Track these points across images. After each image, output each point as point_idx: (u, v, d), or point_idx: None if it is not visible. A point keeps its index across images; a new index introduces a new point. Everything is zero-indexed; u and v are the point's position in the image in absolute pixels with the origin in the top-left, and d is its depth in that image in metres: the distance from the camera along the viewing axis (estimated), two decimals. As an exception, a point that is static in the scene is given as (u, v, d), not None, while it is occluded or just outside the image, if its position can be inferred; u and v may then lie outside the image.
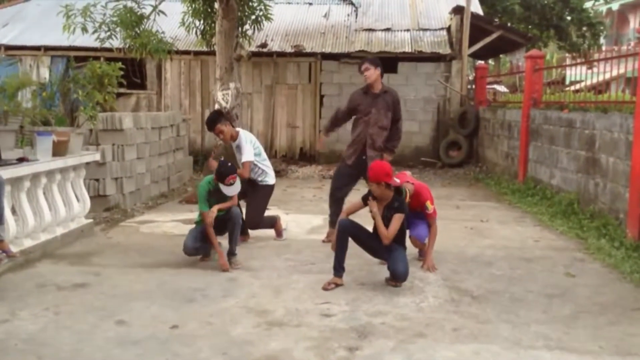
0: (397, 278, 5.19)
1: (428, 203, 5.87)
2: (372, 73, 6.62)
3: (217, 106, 10.49)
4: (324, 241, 6.83)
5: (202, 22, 11.49)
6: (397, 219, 5.16)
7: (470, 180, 12.31)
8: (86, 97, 7.11)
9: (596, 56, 9.41)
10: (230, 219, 5.89)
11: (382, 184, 5.15)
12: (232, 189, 5.84)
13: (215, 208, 5.84)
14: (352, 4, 16.32)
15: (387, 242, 5.17)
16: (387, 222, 5.24)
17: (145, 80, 14.65)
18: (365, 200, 5.35)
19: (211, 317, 4.52)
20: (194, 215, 6.24)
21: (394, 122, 6.85)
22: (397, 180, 5.37)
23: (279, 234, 7.05)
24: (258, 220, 6.76)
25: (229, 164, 5.86)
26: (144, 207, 8.99)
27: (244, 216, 6.51)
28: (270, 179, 6.91)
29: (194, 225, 6.17)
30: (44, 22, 15.05)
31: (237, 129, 6.88)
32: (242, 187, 6.10)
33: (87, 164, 7.29)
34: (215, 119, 6.74)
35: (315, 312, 4.62)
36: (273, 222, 7.00)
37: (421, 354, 3.92)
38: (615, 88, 8.71)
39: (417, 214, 5.98)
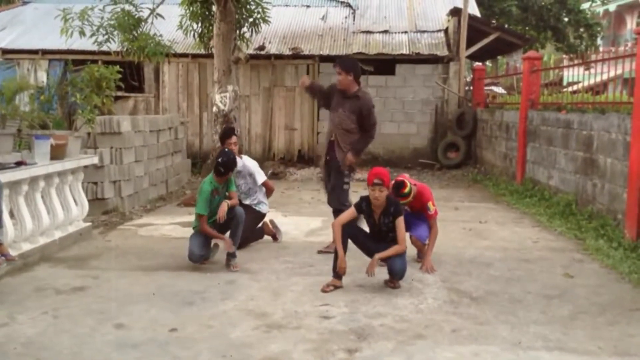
0: (394, 275, 5.20)
1: (430, 204, 5.90)
2: (343, 79, 6.22)
3: (215, 109, 10.51)
4: (320, 252, 6.50)
5: (200, 25, 11.50)
6: (401, 222, 5.20)
7: (469, 181, 12.33)
8: (84, 101, 7.11)
9: (593, 57, 9.42)
10: (233, 218, 5.88)
11: (387, 188, 5.17)
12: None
13: (224, 205, 5.80)
14: (350, 6, 16.34)
15: (405, 247, 5.22)
16: (385, 228, 5.26)
17: (143, 84, 14.64)
18: (358, 209, 5.34)
19: (210, 320, 4.52)
20: (193, 218, 6.23)
21: (365, 130, 6.34)
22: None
23: (274, 237, 7.05)
24: (245, 235, 6.49)
25: (226, 149, 6.03)
26: (142, 210, 8.98)
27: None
28: (264, 208, 6.97)
29: (191, 230, 6.15)
30: (42, 26, 15.05)
31: (240, 155, 6.92)
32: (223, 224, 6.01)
33: (85, 167, 7.29)
34: (234, 131, 7.12)
35: (314, 314, 4.62)
36: (260, 234, 6.97)
37: (420, 355, 3.92)
38: (613, 89, 8.72)
39: (418, 214, 6.00)
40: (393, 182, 5.62)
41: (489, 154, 12.82)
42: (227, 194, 5.97)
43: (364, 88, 14.31)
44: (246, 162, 6.84)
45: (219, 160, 5.87)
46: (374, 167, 5.35)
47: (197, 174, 12.25)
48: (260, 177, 6.88)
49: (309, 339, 4.15)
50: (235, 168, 6.01)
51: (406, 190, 5.59)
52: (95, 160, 7.49)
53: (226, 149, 6.06)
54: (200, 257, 5.86)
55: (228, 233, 6.00)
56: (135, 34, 10.21)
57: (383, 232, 5.29)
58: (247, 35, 11.87)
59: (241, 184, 6.76)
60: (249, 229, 6.58)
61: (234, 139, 6.75)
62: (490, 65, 20.98)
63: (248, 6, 11.44)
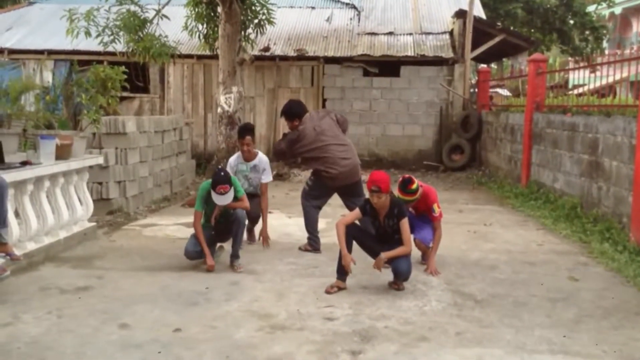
0: (399, 276, 5.19)
1: (435, 206, 5.89)
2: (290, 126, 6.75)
3: (219, 110, 10.53)
4: (300, 249, 6.72)
5: (205, 26, 11.53)
6: (405, 224, 5.19)
7: (473, 184, 12.30)
8: (89, 101, 7.12)
9: (599, 60, 9.39)
10: (234, 221, 5.88)
11: (386, 193, 5.15)
12: (222, 199, 5.70)
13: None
14: (355, 8, 16.34)
15: (410, 248, 5.21)
16: (389, 230, 5.26)
17: (148, 84, 14.67)
18: (363, 210, 5.33)
19: (214, 320, 4.52)
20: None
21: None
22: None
23: (250, 238, 7.05)
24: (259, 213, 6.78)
25: (222, 173, 5.78)
26: (146, 210, 8.99)
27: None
28: None
29: (196, 229, 6.18)
30: (48, 26, 15.10)
31: (256, 150, 6.95)
32: (226, 225, 5.98)
33: (90, 167, 7.30)
34: (252, 129, 6.96)
35: (318, 316, 4.62)
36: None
37: (424, 358, 3.91)
38: (621, 91, 8.70)
39: (422, 217, 6.00)
40: (400, 178, 5.65)
41: (493, 156, 12.80)
42: (237, 196, 5.97)
43: (369, 90, 14.35)
44: (262, 158, 6.93)
45: (213, 174, 5.82)
46: (374, 172, 5.32)
47: (202, 175, 12.26)
48: (267, 177, 6.89)
49: (313, 341, 4.15)
50: (222, 183, 5.73)
51: (413, 186, 5.59)
52: (100, 160, 7.51)
53: (223, 172, 5.81)
54: (193, 252, 5.86)
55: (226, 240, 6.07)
56: (141, 35, 10.23)
57: (388, 233, 5.28)
58: (252, 36, 11.89)
59: (253, 177, 6.83)
60: (256, 214, 6.73)
61: (247, 139, 6.74)
62: (496, 67, 20.96)
63: (253, 7, 11.46)
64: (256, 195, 6.78)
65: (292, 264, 6.12)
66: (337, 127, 6.71)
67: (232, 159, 6.95)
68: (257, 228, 6.98)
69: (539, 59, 10.62)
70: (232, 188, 5.75)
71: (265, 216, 6.81)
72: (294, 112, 6.70)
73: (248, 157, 6.81)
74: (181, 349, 4.00)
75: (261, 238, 6.76)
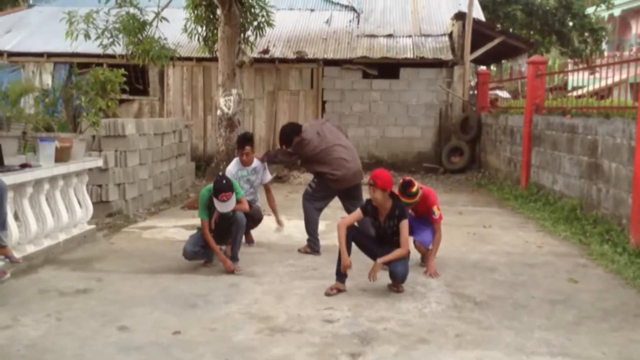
0: (395, 278, 5.19)
1: (435, 208, 5.90)
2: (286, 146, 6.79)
3: (219, 112, 10.54)
4: (299, 250, 6.70)
5: (204, 28, 11.54)
6: (405, 225, 5.20)
7: (473, 186, 12.30)
8: (89, 104, 7.13)
9: (598, 62, 9.41)
10: (234, 223, 5.88)
11: (387, 191, 5.16)
12: (225, 206, 5.71)
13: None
14: (354, 10, 16.35)
15: (407, 250, 5.21)
16: (390, 231, 5.26)
17: (147, 87, 14.67)
18: (364, 211, 5.33)
19: (213, 323, 4.51)
20: (196, 221, 6.25)
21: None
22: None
23: (249, 240, 7.06)
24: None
25: (224, 180, 5.77)
26: (146, 213, 8.99)
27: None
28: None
29: (195, 231, 6.18)
30: (47, 29, 15.09)
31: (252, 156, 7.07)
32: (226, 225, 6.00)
33: (90, 170, 7.29)
34: (251, 138, 7.07)
35: (317, 318, 4.62)
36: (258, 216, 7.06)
37: (424, 360, 3.91)
38: (620, 93, 8.69)
39: (422, 219, 6.00)
40: (400, 180, 5.68)
41: (493, 158, 12.80)
42: (237, 198, 5.96)
43: (368, 92, 14.32)
44: (259, 162, 7.05)
45: (214, 182, 5.78)
46: (377, 169, 5.37)
47: (201, 177, 12.26)
48: (267, 177, 7.07)
49: (312, 343, 4.15)
50: (225, 191, 5.72)
51: (414, 189, 5.61)
52: (99, 163, 7.51)
53: (224, 180, 5.78)
54: (191, 253, 5.86)
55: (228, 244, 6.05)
56: (140, 37, 10.24)
57: (388, 235, 5.28)
58: (252, 39, 11.90)
59: (255, 179, 6.94)
60: (259, 216, 6.90)
61: (246, 149, 6.85)
62: (495, 69, 20.97)
63: (252, 10, 11.47)
64: (255, 202, 6.86)
65: (292, 266, 6.11)
66: (338, 131, 6.78)
67: (232, 167, 6.99)
68: (254, 231, 7.02)
69: (538, 61, 10.63)
70: (234, 194, 5.76)
71: (276, 209, 7.19)
72: (290, 132, 6.68)
73: (247, 162, 6.94)
74: (180, 351, 4.00)
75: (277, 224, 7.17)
